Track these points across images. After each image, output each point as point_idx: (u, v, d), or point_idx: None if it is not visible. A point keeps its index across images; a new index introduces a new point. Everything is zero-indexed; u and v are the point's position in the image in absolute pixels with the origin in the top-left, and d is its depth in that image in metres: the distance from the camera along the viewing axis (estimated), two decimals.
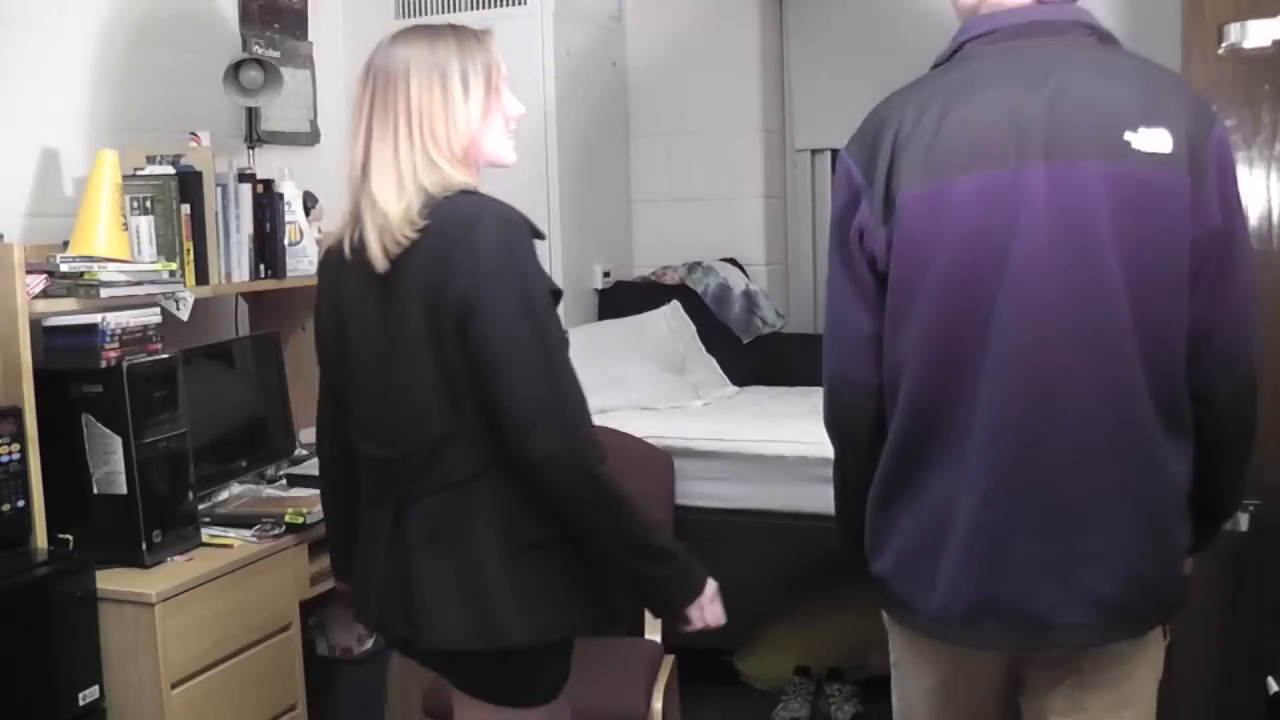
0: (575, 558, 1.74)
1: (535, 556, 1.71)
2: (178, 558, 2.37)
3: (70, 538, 2.29)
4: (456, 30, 1.78)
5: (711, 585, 1.82)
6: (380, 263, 1.68)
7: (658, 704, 2.61)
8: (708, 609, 1.82)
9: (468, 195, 1.71)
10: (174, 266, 2.52)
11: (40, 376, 2.24)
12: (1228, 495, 1.70)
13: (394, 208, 1.67)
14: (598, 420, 3.08)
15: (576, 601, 1.76)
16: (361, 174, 1.73)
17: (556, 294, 1.73)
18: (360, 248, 1.71)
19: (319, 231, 3.04)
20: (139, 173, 2.57)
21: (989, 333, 1.52)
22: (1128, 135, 1.48)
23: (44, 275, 2.31)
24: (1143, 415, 1.51)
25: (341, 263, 1.77)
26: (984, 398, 1.52)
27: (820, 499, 2.71)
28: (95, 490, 2.31)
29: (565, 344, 1.71)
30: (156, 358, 2.39)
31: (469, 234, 1.65)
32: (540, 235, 1.75)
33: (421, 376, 1.68)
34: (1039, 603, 1.54)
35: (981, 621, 1.58)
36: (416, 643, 1.76)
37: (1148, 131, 1.48)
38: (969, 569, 1.56)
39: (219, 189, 2.69)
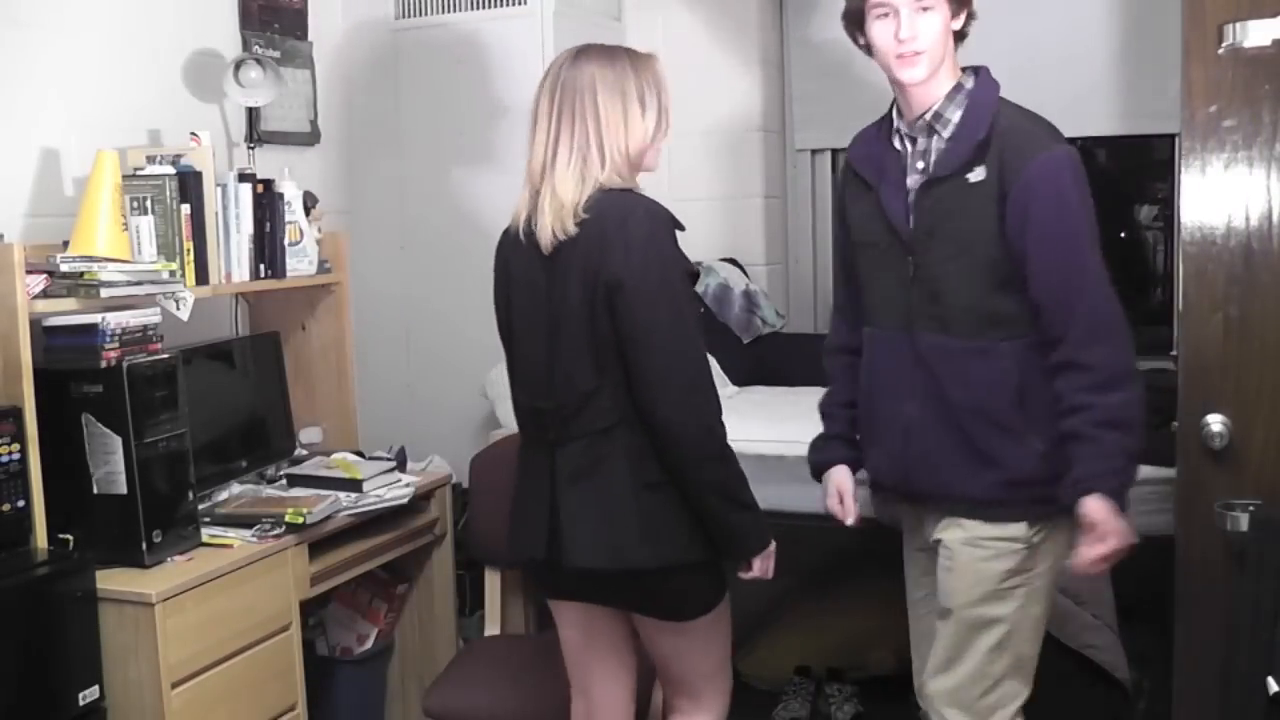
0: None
1: (659, 494, 2.02)
2: (178, 558, 2.37)
3: (70, 538, 2.29)
4: (630, 53, 2.09)
5: (772, 544, 2.11)
6: (548, 244, 2.01)
7: (658, 704, 2.61)
8: (768, 562, 2.11)
9: (624, 193, 2.02)
10: (174, 266, 2.52)
11: (40, 376, 2.25)
12: None
13: (569, 200, 2.00)
14: None
15: (695, 533, 2.03)
16: (544, 169, 2.06)
17: (694, 275, 2.07)
18: (531, 231, 2.05)
19: (319, 231, 3.04)
20: (139, 173, 2.57)
21: None
22: None
23: (44, 275, 2.31)
24: None
25: (515, 243, 2.10)
26: None
27: (820, 499, 2.72)
28: (95, 490, 2.31)
29: (696, 317, 2.04)
30: (156, 358, 2.39)
31: (624, 224, 1.97)
32: (681, 227, 2.03)
33: (574, 342, 2.01)
34: None
35: None
36: (560, 564, 2.05)
37: None
38: None
39: (219, 189, 2.69)
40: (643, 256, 1.96)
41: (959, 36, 2.07)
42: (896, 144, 2.10)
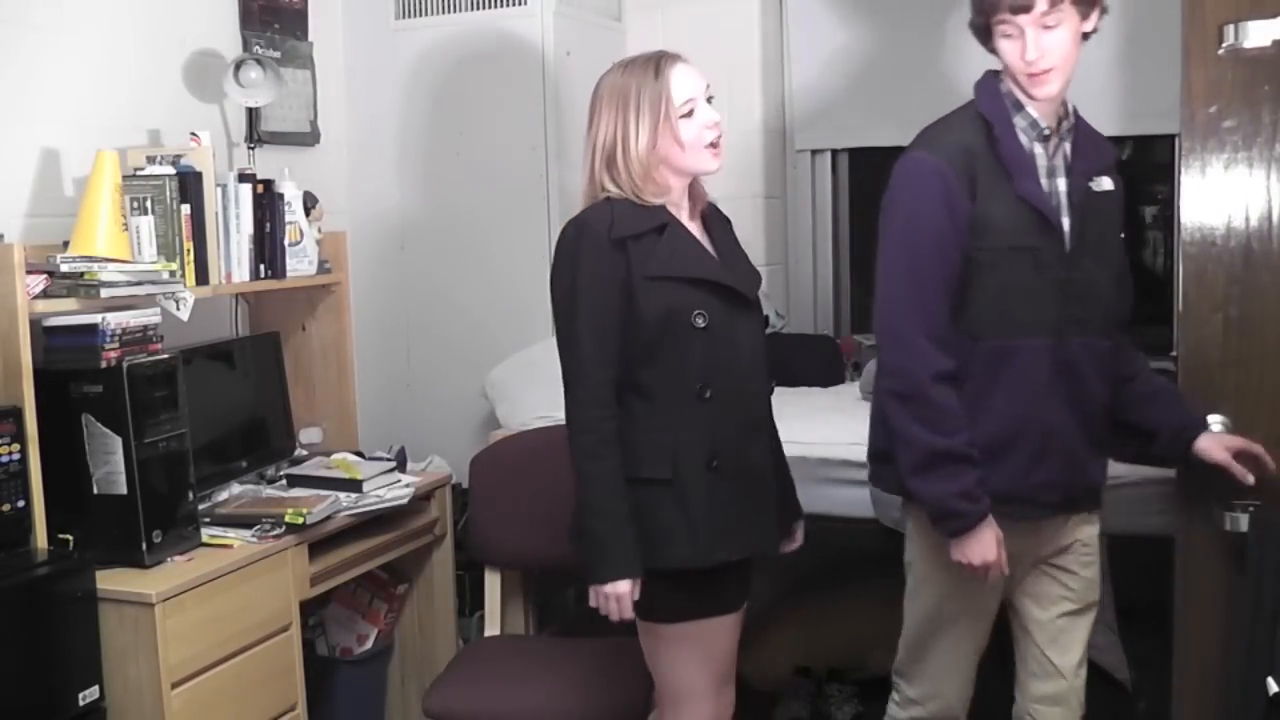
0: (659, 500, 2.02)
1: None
2: (178, 558, 2.37)
3: (70, 538, 2.29)
4: (646, 62, 2.08)
5: (612, 585, 1.99)
6: None
7: None
8: (599, 598, 2.02)
9: (595, 205, 2.08)
10: (174, 266, 2.52)
11: (40, 376, 2.25)
12: None
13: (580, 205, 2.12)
14: None
15: (667, 539, 2.01)
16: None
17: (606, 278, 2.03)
18: None
19: (319, 231, 3.04)
20: (139, 173, 2.57)
21: None
22: None
23: (44, 275, 2.31)
24: None
25: None
26: None
27: (820, 499, 2.72)
28: (95, 490, 2.31)
29: (591, 325, 1.99)
30: (156, 358, 2.39)
31: (562, 233, 2.08)
32: (617, 236, 2.02)
33: None
34: None
35: None
36: None
37: None
38: None
39: (219, 189, 2.69)
40: (553, 265, 2.06)
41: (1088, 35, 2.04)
42: (1024, 144, 2.04)
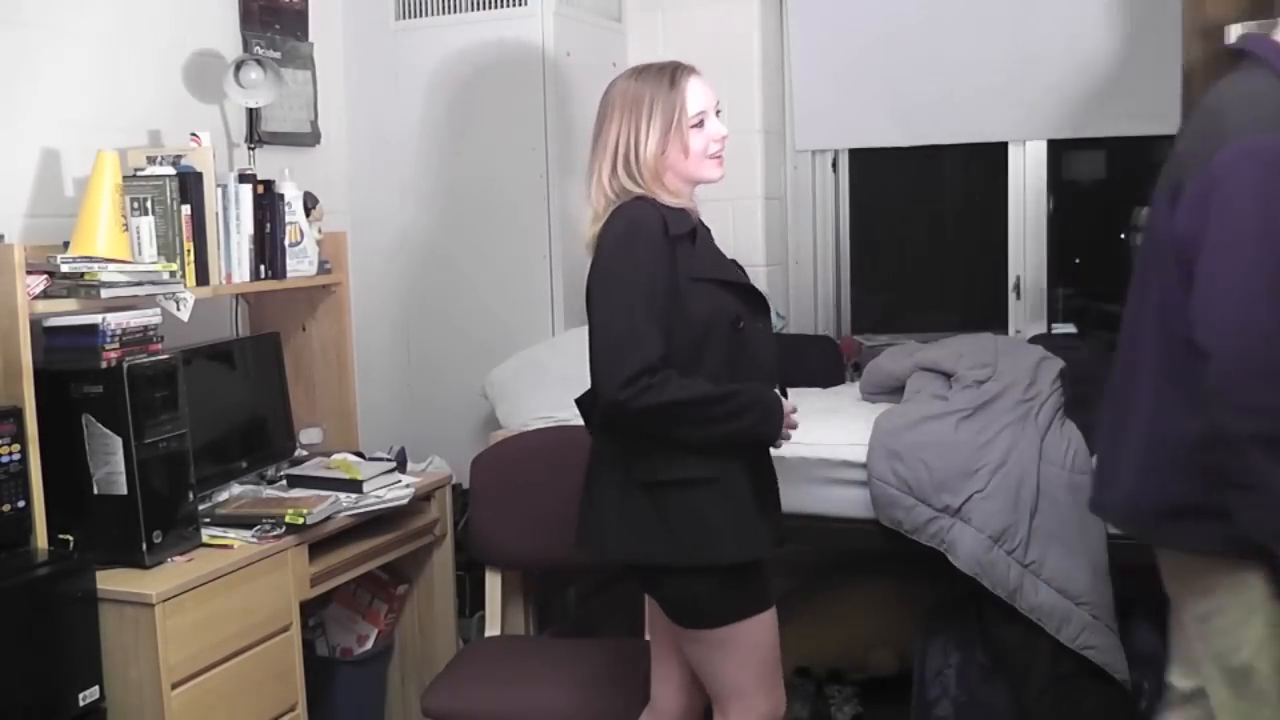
0: (686, 497, 2.04)
1: (650, 493, 2.06)
2: (178, 558, 2.37)
3: (70, 538, 2.29)
4: (661, 70, 2.13)
5: (786, 403, 2.12)
6: (588, 247, 2.19)
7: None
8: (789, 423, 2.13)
9: (634, 201, 2.10)
10: (174, 267, 2.52)
11: (40, 376, 2.25)
12: None
13: (589, 209, 2.19)
14: None
15: (693, 537, 2.04)
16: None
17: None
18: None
19: (319, 232, 3.04)
20: (139, 173, 2.57)
21: None
22: None
23: (44, 275, 2.31)
24: None
25: None
26: None
27: (820, 500, 2.72)
28: (95, 490, 2.31)
29: (651, 318, 2.00)
30: (156, 358, 2.39)
31: (606, 227, 2.12)
32: (674, 234, 2.07)
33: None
34: None
35: None
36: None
37: None
38: None
39: (219, 189, 2.69)
40: (605, 258, 2.08)
41: None
42: None
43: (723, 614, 2.09)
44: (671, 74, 2.12)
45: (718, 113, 2.16)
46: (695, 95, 2.11)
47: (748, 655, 2.13)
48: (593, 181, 2.15)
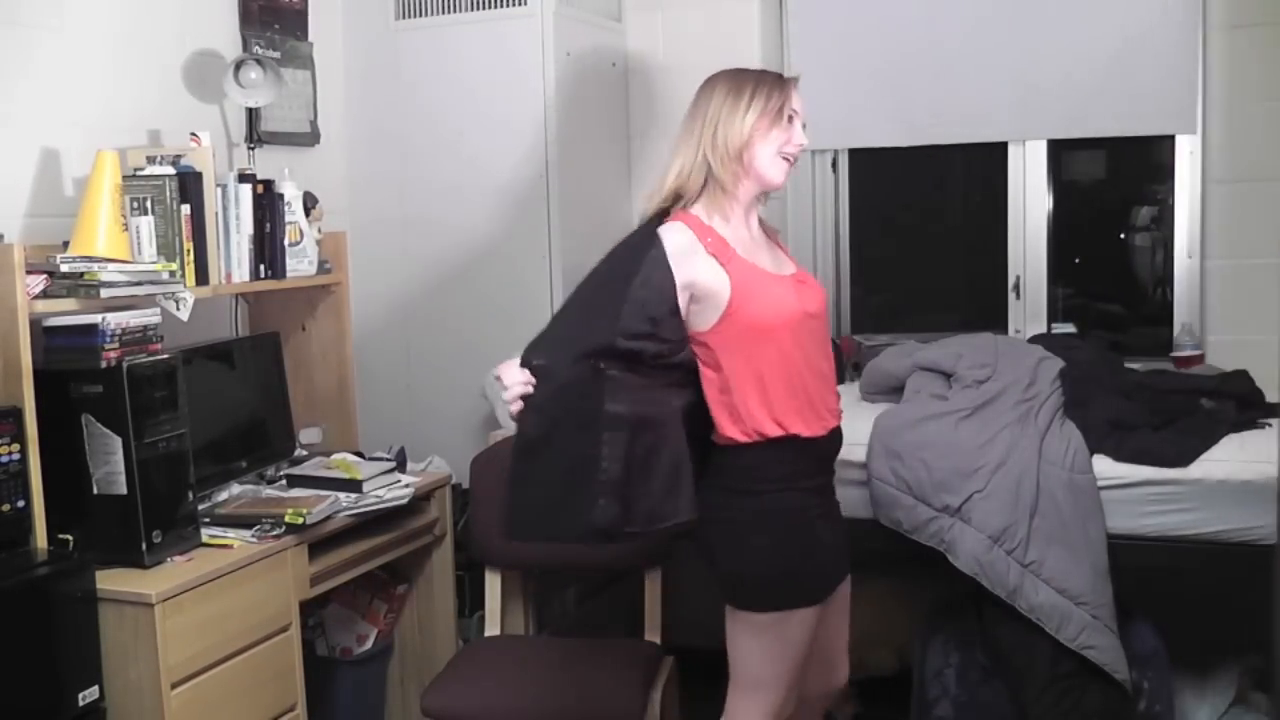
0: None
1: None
2: (178, 558, 2.37)
3: (70, 538, 2.29)
4: (769, 72, 2.23)
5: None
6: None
7: (656, 704, 2.61)
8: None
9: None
10: (174, 267, 2.52)
11: (40, 376, 2.25)
12: None
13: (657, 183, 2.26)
14: None
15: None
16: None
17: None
18: None
19: (319, 231, 3.04)
20: (139, 173, 2.57)
21: None
22: None
23: (44, 275, 2.31)
24: None
25: None
26: None
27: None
28: (95, 490, 2.31)
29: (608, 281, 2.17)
30: (156, 358, 2.39)
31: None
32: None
33: None
34: None
35: None
36: None
37: None
38: None
39: (219, 189, 2.69)
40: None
41: None
42: None
43: (760, 604, 2.14)
44: (779, 75, 2.23)
45: (803, 126, 2.23)
46: (796, 98, 2.20)
47: (768, 653, 2.16)
48: (676, 162, 2.18)
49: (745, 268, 2.13)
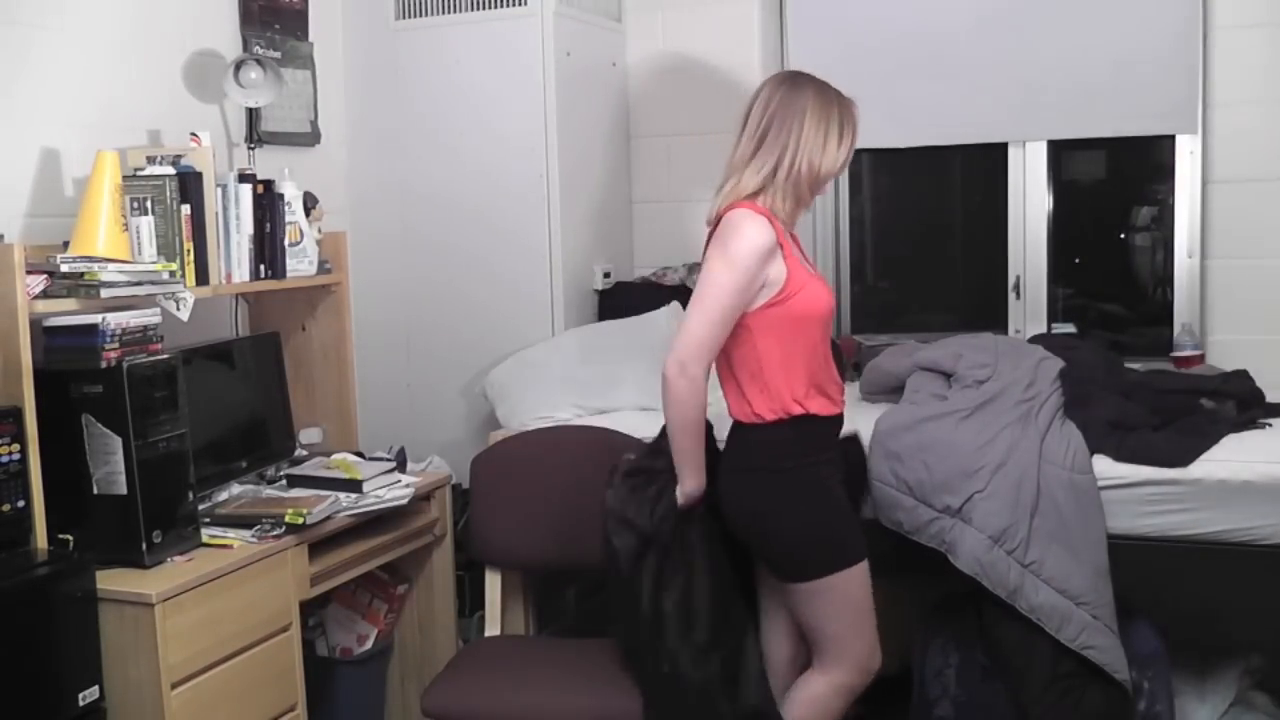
0: None
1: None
2: (178, 558, 2.37)
3: (70, 538, 2.28)
4: (835, 91, 2.36)
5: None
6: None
7: None
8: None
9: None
10: (174, 267, 2.52)
11: (40, 376, 2.25)
12: None
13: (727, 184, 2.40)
14: (598, 420, 3.09)
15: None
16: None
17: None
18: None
19: (319, 232, 3.04)
20: (139, 173, 2.57)
21: None
22: None
23: (44, 275, 2.31)
24: None
25: None
26: None
27: None
28: (95, 490, 2.31)
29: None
30: (156, 358, 2.39)
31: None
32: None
33: None
34: None
35: None
36: None
37: None
38: None
39: (219, 189, 2.69)
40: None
41: None
42: None
43: (816, 569, 2.34)
44: (840, 95, 2.35)
45: None
46: (858, 120, 2.36)
47: (841, 607, 2.37)
48: (759, 163, 2.32)
49: (795, 262, 2.33)
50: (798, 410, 2.32)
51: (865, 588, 2.40)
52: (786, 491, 2.33)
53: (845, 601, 2.38)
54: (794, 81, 2.35)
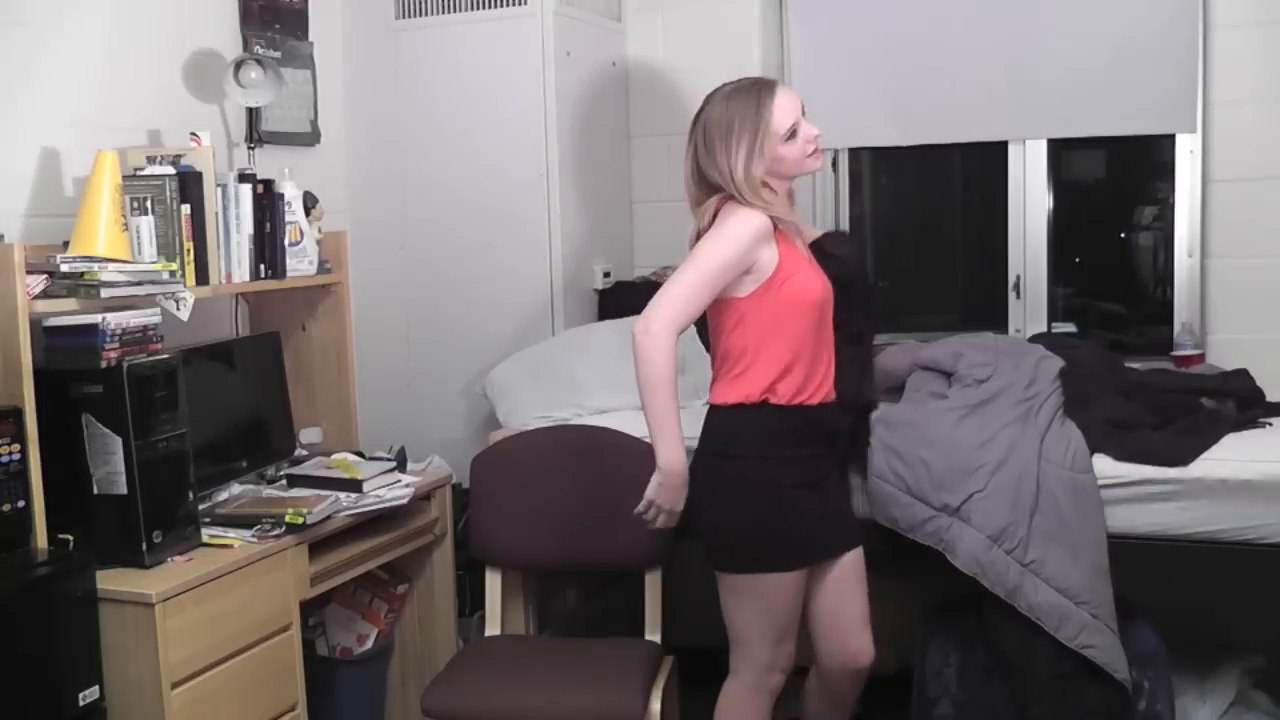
0: None
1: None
2: (178, 558, 2.37)
3: (70, 538, 2.28)
4: (747, 93, 2.32)
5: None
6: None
7: (656, 704, 2.61)
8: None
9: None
10: (174, 266, 2.52)
11: (40, 376, 2.25)
12: None
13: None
14: (598, 420, 3.09)
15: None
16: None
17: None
18: None
19: (319, 231, 3.04)
20: (139, 173, 2.57)
21: None
22: None
23: (44, 275, 2.31)
24: None
25: None
26: None
27: None
28: (95, 490, 2.31)
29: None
30: (156, 358, 2.39)
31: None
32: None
33: None
34: None
35: None
36: None
37: None
38: None
39: (219, 189, 2.69)
40: None
41: None
42: None
43: (735, 565, 2.33)
44: (758, 95, 2.30)
45: (804, 112, 2.33)
46: (783, 112, 2.29)
47: (749, 611, 2.35)
48: (708, 204, 2.34)
49: (791, 250, 2.32)
50: (759, 397, 2.29)
51: (790, 598, 2.35)
52: (729, 481, 2.31)
53: (760, 606, 2.34)
54: (702, 107, 2.38)
